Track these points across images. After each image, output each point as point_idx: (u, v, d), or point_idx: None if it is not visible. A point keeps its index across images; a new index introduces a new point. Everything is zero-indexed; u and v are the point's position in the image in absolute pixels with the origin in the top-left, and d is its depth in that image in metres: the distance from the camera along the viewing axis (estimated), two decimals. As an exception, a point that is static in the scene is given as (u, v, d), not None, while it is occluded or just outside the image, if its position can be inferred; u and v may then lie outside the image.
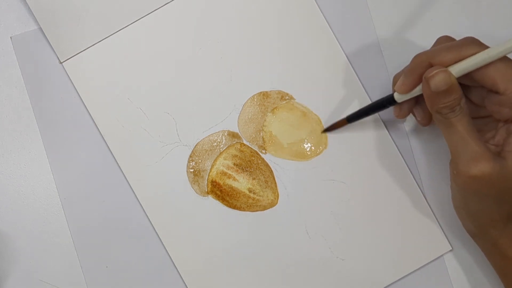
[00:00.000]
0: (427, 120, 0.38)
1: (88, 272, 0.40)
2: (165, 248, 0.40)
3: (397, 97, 0.36)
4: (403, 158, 0.40)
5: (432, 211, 0.40)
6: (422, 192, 0.40)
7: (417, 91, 0.35)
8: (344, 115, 0.40)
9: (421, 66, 0.34)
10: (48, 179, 0.40)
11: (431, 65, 0.33)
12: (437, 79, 0.32)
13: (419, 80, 0.34)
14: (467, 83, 0.34)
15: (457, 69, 0.32)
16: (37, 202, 0.40)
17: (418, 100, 0.37)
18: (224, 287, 0.40)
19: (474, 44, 0.33)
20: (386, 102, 0.37)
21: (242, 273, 0.40)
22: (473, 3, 0.42)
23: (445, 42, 0.36)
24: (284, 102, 0.41)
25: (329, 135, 0.41)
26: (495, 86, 0.32)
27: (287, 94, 0.41)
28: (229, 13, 0.41)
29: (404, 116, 0.38)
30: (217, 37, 0.41)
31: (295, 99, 0.41)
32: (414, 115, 0.38)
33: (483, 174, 0.32)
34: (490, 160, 0.32)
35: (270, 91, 0.41)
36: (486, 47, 0.33)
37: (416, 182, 0.40)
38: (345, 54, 0.41)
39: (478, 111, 0.36)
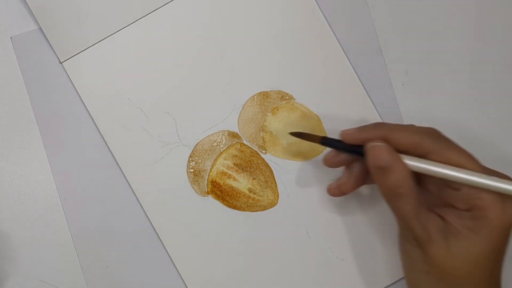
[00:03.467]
0: (350, 187, 0.36)
1: (88, 272, 0.40)
2: (165, 248, 0.40)
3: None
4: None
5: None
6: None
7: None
8: (344, 115, 0.40)
9: (374, 133, 0.33)
10: (48, 179, 0.40)
11: (384, 138, 0.32)
12: (376, 154, 0.32)
13: (363, 139, 0.33)
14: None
15: (416, 166, 0.31)
16: (37, 202, 0.40)
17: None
18: (224, 287, 0.40)
19: (432, 138, 0.32)
20: (355, 151, 0.35)
21: (242, 273, 0.40)
22: (473, 3, 0.42)
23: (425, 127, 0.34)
24: (284, 102, 0.41)
25: (329, 134, 0.41)
26: (452, 184, 0.32)
27: (287, 94, 0.41)
28: (229, 13, 0.41)
29: (331, 165, 0.37)
30: (217, 37, 0.41)
31: (295, 99, 0.41)
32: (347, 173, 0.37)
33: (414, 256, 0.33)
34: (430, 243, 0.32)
35: (270, 91, 0.41)
36: (446, 141, 0.31)
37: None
38: (345, 54, 0.41)
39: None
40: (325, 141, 0.36)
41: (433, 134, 0.32)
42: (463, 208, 0.31)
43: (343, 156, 0.36)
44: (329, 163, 0.37)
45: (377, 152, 0.32)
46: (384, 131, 0.33)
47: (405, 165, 0.31)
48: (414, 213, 0.32)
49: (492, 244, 0.31)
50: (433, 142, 0.31)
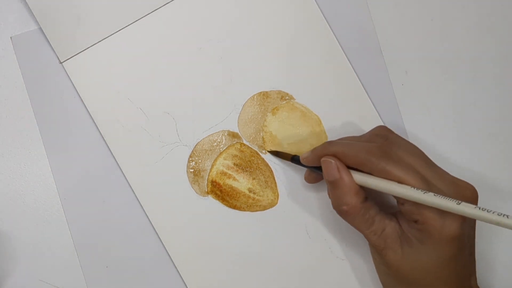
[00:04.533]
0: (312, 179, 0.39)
1: (88, 272, 0.40)
2: (165, 248, 0.40)
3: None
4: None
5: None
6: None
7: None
8: (344, 115, 0.40)
9: (326, 152, 0.35)
10: (48, 179, 0.40)
11: (335, 156, 0.34)
12: (327, 169, 0.34)
13: (319, 160, 0.35)
14: None
15: (363, 182, 0.33)
16: (37, 202, 0.40)
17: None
18: (224, 287, 0.40)
19: (376, 156, 0.33)
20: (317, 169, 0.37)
21: (242, 273, 0.40)
22: (473, 3, 0.42)
23: (381, 133, 0.36)
24: (284, 102, 0.41)
25: (329, 135, 0.41)
26: (397, 198, 0.33)
27: (287, 94, 0.41)
28: (229, 13, 0.41)
29: (310, 182, 0.39)
30: (218, 37, 0.41)
31: (295, 99, 0.41)
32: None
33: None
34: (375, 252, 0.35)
35: (270, 91, 0.41)
36: (389, 157, 0.33)
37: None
38: (345, 54, 0.41)
39: None
40: (294, 158, 0.39)
41: (377, 150, 0.33)
42: (410, 220, 0.33)
43: (316, 173, 0.38)
44: (308, 180, 0.39)
45: (327, 167, 0.34)
46: (334, 150, 0.35)
47: (352, 181, 0.34)
48: (365, 226, 0.34)
49: (439, 255, 0.32)
50: (377, 160, 0.33)
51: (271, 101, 0.41)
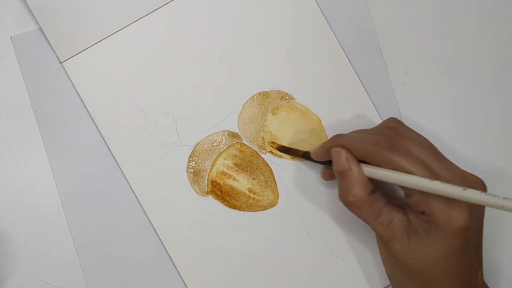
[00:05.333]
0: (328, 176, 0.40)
1: (88, 272, 0.40)
2: (165, 248, 0.40)
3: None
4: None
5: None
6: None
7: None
8: (344, 115, 0.40)
9: (335, 144, 0.35)
10: (48, 179, 0.40)
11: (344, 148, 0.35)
12: (336, 159, 0.34)
13: (329, 154, 0.36)
14: None
15: (371, 173, 0.33)
16: (37, 202, 0.40)
17: None
18: (224, 287, 0.40)
19: (383, 147, 0.33)
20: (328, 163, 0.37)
21: (242, 273, 0.40)
22: (473, 2, 0.42)
23: (391, 124, 0.36)
24: (284, 102, 0.41)
25: (330, 135, 0.41)
26: (406, 190, 0.33)
27: (287, 94, 0.41)
28: (229, 13, 0.41)
29: (327, 179, 0.40)
30: (218, 37, 0.41)
31: (295, 99, 0.41)
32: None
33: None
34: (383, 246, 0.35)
35: (270, 91, 0.41)
36: (396, 149, 0.33)
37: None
38: (345, 54, 0.41)
39: None
40: (305, 155, 0.39)
41: (384, 141, 0.33)
42: (417, 212, 0.33)
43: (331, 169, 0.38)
44: (324, 177, 0.40)
45: (337, 157, 0.34)
46: (343, 142, 0.35)
47: (361, 172, 0.34)
48: (372, 217, 0.34)
49: (446, 247, 0.32)
50: (384, 151, 0.33)
51: (271, 101, 0.41)
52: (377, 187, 0.35)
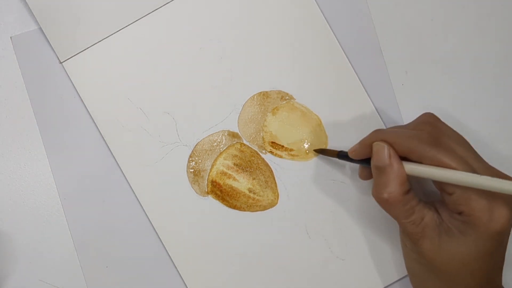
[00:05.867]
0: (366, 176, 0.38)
1: (88, 272, 0.40)
2: (165, 248, 0.40)
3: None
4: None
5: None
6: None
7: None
8: (344, 115, 0.40)
9: (374, 140, 0.34)
10: (48, 179, 0.40)
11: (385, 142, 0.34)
12: (378, 153, 0.33)
13: (369, 151, 0.35)
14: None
15: (411, 169, 0.33)
16: (37, 202, 0.40)
17: None
18: (224, 287, 0.40)
19: (425, 143, 0.32)
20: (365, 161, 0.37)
21: (242, 273, 0.40)
22: (473, 2, 0.42)
23: (428, 120, 0.35)
24: (284, 102, 0.41)
25: (329, 135, 0.41)
26: (446, 188, 0.33)
27: (287, 94, 0.41)
28: (229, 13, 0.41)
29: (364, 178, 0.39)
30: (218, 37, 0.41)
31: (295, 99, 0.41)
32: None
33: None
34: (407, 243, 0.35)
35: (270, 91, 0.41)
36: (438, 145, 0.32)
37: (416, 182, 0.40)
38: (345, 54, 0.41)
39: None
40: (340, 154, 0.38)
41: (428, 137, 0.33)
42: (455, 211, 0.32)
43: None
44: (362, 176, 0.39)
45: (379, 151, 0.33)
46: (384, 137, 0.34)
47: (402, 169, 0.33)
48: (404, 216, 0.33)
49: (479, 248, 0.32)
50: (428, 147, 0.32)
51: (271, 101, 0.41)
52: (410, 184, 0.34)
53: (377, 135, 0.34)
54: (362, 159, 0.36)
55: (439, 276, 0.33)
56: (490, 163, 0.33)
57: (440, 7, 0.42)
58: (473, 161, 0.32)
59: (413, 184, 0.35)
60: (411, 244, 0.34)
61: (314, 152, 0.40)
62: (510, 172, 0.37)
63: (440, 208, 0.34)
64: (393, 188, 0.33)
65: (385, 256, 0.40)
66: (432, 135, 0.33)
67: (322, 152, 0.40)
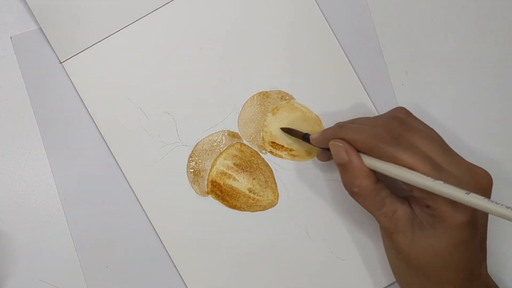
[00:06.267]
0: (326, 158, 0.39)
1: (88, 272, 0.40)
2: (165, 248, 0.40)
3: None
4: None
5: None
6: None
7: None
8: (344, 115, 0.40)
9: (335, 135, 0.35)
10: (48, 179, 0.40)
11: (344, 140, 0.34)
12: (336, 152, 0.34)
13: (328, 141, 0.35)
14: None
15: (373, 165, 0.33)
16: (37, 202, 0.40)
17: None
18: (224, 287, 0.40)
19: (387, 141, 0.32)
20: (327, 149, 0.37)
21: (242, 273, 0.40)
22: (473, 2, 0.42)
23: (398, 115, 0.35)
24: (284, 102, 0.41)
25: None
26: (406, 185, 0.33)
27: (287, 94, 0.41)
28: (229, 13, 0.41)
29: (322, 160, 0.39)
30: (218, 37, 0.41)
31: (295, 99, 0.41)
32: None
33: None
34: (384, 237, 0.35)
35: (270, 91, 0.41)
36: (399, 143, 0.32)
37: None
38: (345, 54, 0.41)
39: None
40: (305, 137, 0.39)
41: (387, 136, 0.33)
42: (423, 205, 0.33)
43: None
44: (320, 158, 0.40)
45: (336, 150, 0.34)
46: (344, 134, 0.34)
47: (362, 164, 0.33)
48: (376, 207, 0.34)
49: (450, 240, 0.32)
50: (386, 146, 0.32)
51: (271, 101, 0.41)
52: (380, 177, 0.34)
53: (338, 131, 0.35)
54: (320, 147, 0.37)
55: (417, 272, 0.34)
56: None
57: (440, 7, 0.42)
58: (439, 155, 0.32)
59: (387, 178, 0.35)
60: (388, 239, 0.34)
61: (311, 152, 0.40)
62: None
63: (413, 202, 0.34)
64: (359, 181, 0.33)
65: (385, 257, 0.40)
66: (393, 132, 0.33)
67: (289, 131, 0.40)
